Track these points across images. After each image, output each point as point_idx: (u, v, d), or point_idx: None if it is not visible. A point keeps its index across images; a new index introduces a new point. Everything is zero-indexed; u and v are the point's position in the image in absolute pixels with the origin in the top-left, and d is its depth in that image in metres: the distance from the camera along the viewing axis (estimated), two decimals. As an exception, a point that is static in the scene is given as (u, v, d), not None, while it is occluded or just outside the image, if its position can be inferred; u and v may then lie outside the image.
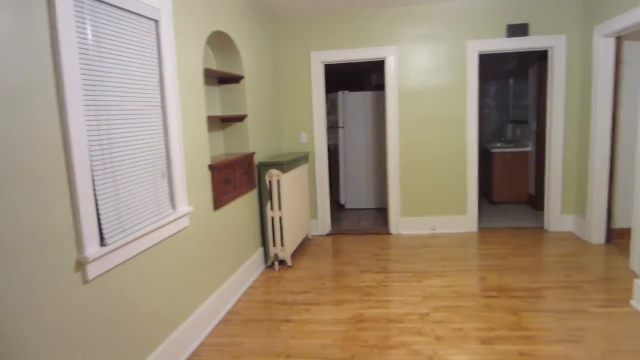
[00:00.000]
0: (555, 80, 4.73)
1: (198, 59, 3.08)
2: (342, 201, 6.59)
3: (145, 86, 2.46)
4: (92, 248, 1.96)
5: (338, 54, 4.99)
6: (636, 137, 3.74)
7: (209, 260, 3.14)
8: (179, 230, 2.73)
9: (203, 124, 3.16)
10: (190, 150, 2.94)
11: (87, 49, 1.99)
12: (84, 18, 1.97)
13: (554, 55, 4.70)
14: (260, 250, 4.26)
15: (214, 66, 3.81)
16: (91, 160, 1.99)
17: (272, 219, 4.20)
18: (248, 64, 4.03)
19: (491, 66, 7.15)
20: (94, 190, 2.00)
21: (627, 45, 4.22)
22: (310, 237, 5.23)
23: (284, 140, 5.26)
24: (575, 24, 4.62)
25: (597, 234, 4.42)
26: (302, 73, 5.10)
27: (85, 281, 1.93)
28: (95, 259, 1.97)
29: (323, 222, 5.34)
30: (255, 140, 4.20)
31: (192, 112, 2.98)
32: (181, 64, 2.83)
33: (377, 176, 6.41)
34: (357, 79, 8.21)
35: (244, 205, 3.89)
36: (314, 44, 5.03)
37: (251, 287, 3.82)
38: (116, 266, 2.14)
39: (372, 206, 6.50)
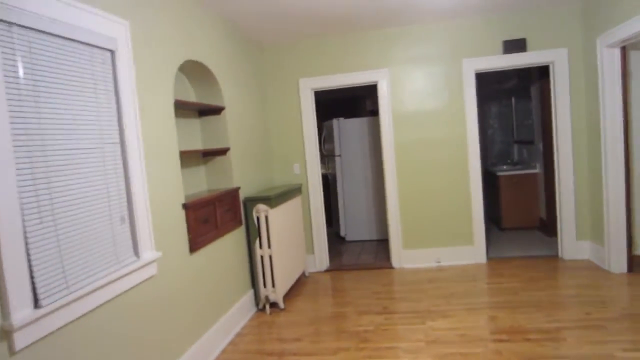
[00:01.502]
0: (559, 96, 4.43)
1: (167, 91, 2.85)
2: (342, 233, 6.26)
3: (99, 123, 2.22)
4: (21, 312, 1.67)
5: (328, 80, 4.76)
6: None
7: (184, 310, 2.83)
8: (144, 280, 2.44)
9: (175, 159, 2.90)
10: (159, 189, 2.67)
11: (17, 86, 1.75)
12: (13, 50, 1.74)
13: (555, 70, 4.41)
14: (251, 292, 3.93)
15: (192, 97, 3.58)
16: (22, 209, 1.72)
17: (262, 257, 3.89)
18: (229, 94, 3.80)
19: (491, 86, 6.89)
20: (26, 243, 1.73)
21: (634, 55, 3.93)
22: (307, 274, 4.89)
23: (275, 172, 4.99)
24: (576, 35, 4.35)
25: (617, 263, 4.00)
26: (292, 101, 4.87)
27: (13, 352, 1.63)
28: (26, 324, 1.68)
29: (320, 258, 5.01)
30: (240, 174, 3.93)
31: (160, 148, 2.72)
32: (145, 97, 2.59)
33: (378, 206, 6.07)
34: (352, 105, 7.98)
35: (229, 244, 3.59)
36: (303, 71, 4.80)
37: (239, 335, 3.49)
38: (58, 329, 1.84)
39: (374, 238, 6.14)
